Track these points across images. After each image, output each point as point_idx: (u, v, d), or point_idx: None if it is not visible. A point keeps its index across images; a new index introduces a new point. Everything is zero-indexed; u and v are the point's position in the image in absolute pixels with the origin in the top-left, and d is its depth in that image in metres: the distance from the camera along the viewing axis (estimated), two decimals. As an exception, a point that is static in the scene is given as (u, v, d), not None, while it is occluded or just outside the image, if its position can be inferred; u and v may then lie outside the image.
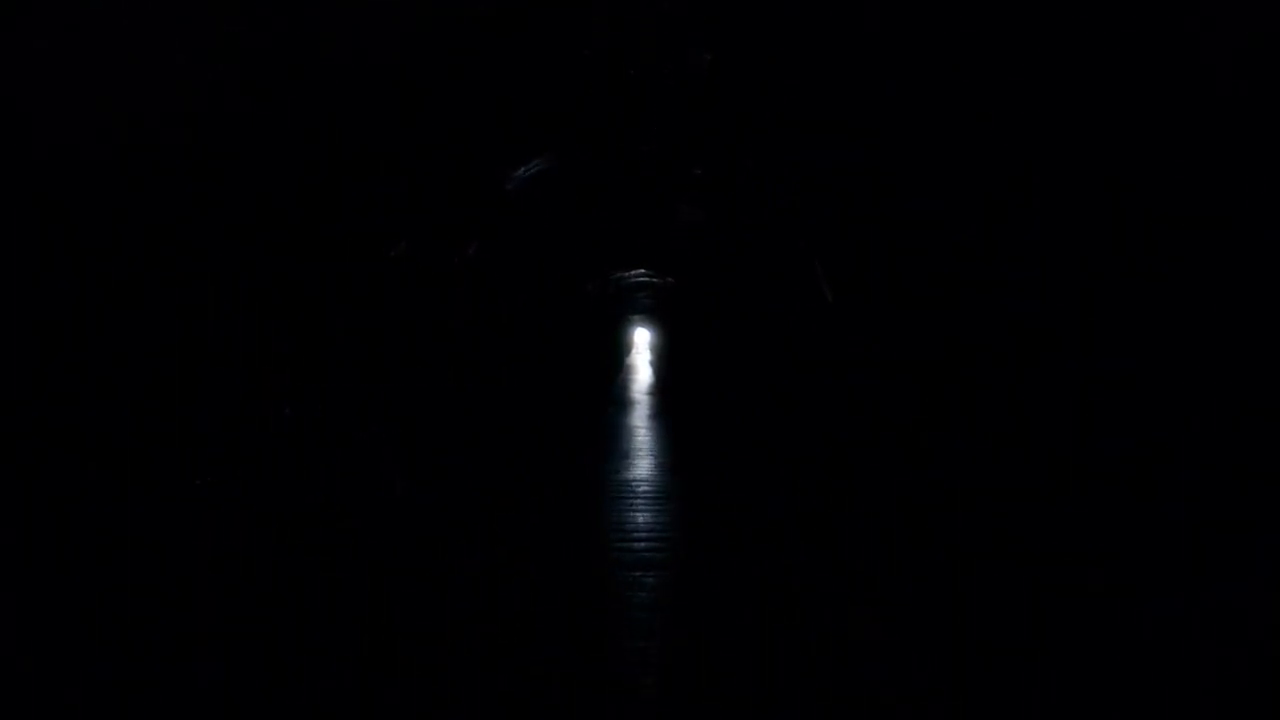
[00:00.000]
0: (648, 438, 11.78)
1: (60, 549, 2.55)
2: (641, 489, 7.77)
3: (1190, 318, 2.24)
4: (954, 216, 3.68)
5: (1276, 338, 1.98)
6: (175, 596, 3.08)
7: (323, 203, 3.66)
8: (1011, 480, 3.28)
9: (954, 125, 3.35)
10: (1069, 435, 2.83)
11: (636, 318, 23.17)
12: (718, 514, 6.70)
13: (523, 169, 5.13)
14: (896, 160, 4.04)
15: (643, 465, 9.28)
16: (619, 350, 24.29)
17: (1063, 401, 2.87)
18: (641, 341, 44.47)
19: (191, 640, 3.17)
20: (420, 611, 4.39)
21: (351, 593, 4.44)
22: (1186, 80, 2.14)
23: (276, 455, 3.66)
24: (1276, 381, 1.98)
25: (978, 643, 3.70)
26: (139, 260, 2.78)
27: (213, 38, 2.54)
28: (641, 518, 6.56)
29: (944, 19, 2.90)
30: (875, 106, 3.78)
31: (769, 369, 7.98)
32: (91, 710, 2.64)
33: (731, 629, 4.14)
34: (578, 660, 3.75)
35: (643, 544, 5.71)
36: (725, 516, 6.59)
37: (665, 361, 20.68)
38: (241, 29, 2.59)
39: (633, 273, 12.19)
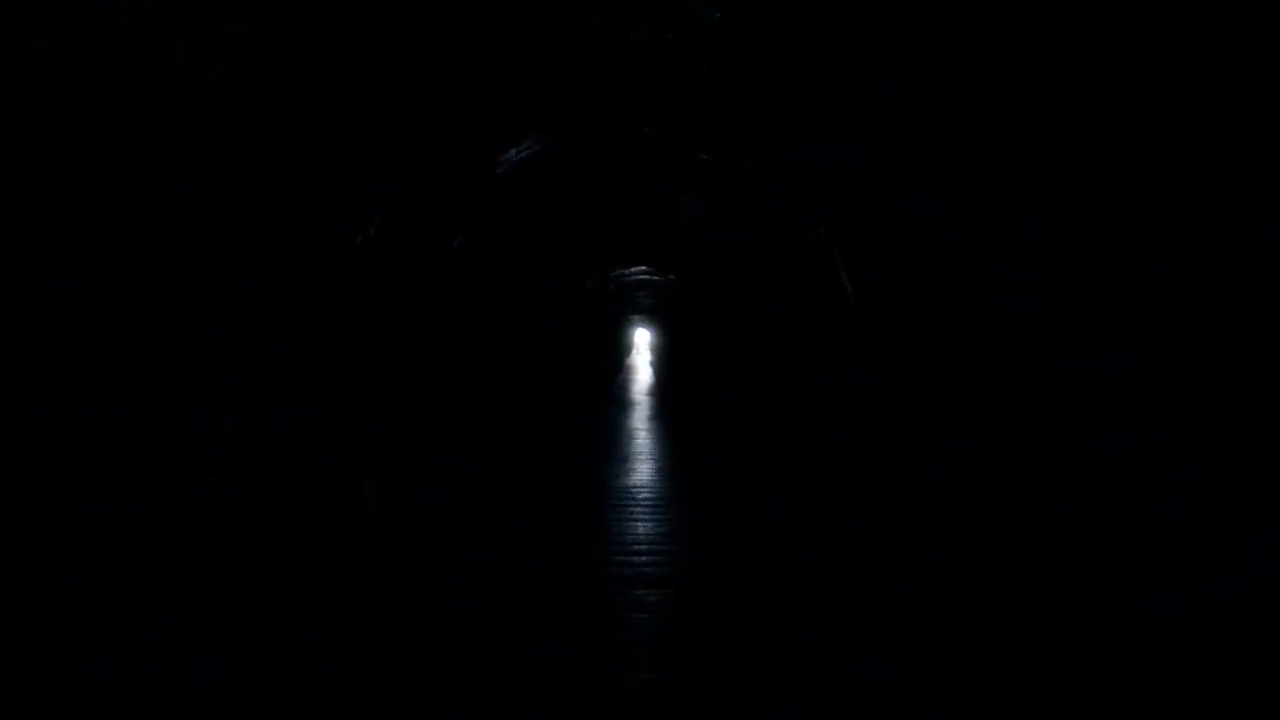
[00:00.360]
0: (648, 440, 11.74)
1: (60, 549, 2.54)
2: (642, 495, 7.74)
3: (1190, 317, 2.22)
4: (954, 216, 3.65)
5: (1276, 338, 1.97)
6: (175, 596, 3.08)
7: (321, 201, 3.66)
8: (1011, 480, 3.24)
9: (954, 125, 3.34)
10: (1069, 435, 2.80)
11: (637, 317, 23.10)
12: (720, 520, 6.68)
13: (513, 151, 5.12)
14: (896, 160, 4.04)
15: (643, 469, 9.24)
16: (619, 350, 24.20)
17: (1063, 401, 2.84)
18: (642, 341, 44.40)
19: (191, 640, 3.16)
20: (413, 622, 4.38)
21: (339, 612, 4.43)
22: (1186, 80, 2.11)
23: (275, 456, 3.66)
24: (1276, 381, 1.97)
25: (978, 642, 3.69)
26: (139, 260, 2.78)
27: (212, 38, 2.54)
28: (642, 527, 6.49)
29: (944, 19, 2.90)
30: (875, 106, 3.78)
31: (769, 369, 7.95)
32: (91, 710, 2.61)
33: (739, 652, 4.10)
34: (576, 693, 3.66)
35: (643, 557, 5.65)
36: (727, 523, 6.57)
37: (665, 361, 20.59)
38: (242, 29, 2.59)
39: (633, 270, 12.15)
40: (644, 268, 12.47)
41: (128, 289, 2.76)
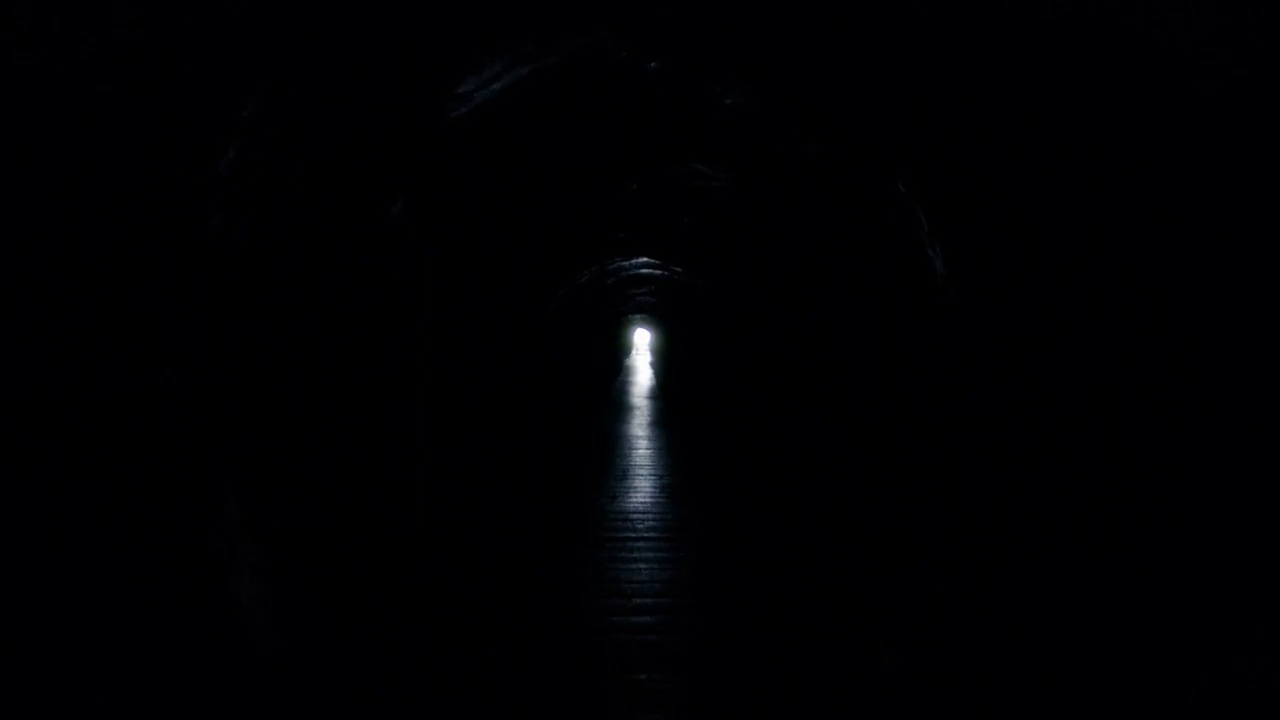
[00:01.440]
0: (649, 450, 10.46)
1: None
2: (644, 524, 6.44)
3: (1189, 316, 2.04)
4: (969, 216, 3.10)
5: (1275, 338, 1.78)
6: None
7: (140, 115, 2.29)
8: (1029, 485, 2.89)
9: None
10: (1069, 435, 2.60)
11: (637, 317, 22.03)
12: (740, 559, 5.33)
13: (473, 81, 3.72)
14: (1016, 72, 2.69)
15: (644, 488, 7.92)
16: (618, 351, 23.08)
17: (1062, 401, 2.65)
18: (642, 342, 43.22)
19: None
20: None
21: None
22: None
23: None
24: (1274, 382, 1.79)
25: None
26: None
27: None
28: (645, 570, 5.20)
29: None
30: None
31: (776, 370, 6.69)
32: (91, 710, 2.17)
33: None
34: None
35: (647, 617, 4.34)
36: (750, 563, 5.23)
37: (667, 363, 19.51)
38: None
39: (633, 262, 10.89)
40: (646, 259, 11.19)
41: None
